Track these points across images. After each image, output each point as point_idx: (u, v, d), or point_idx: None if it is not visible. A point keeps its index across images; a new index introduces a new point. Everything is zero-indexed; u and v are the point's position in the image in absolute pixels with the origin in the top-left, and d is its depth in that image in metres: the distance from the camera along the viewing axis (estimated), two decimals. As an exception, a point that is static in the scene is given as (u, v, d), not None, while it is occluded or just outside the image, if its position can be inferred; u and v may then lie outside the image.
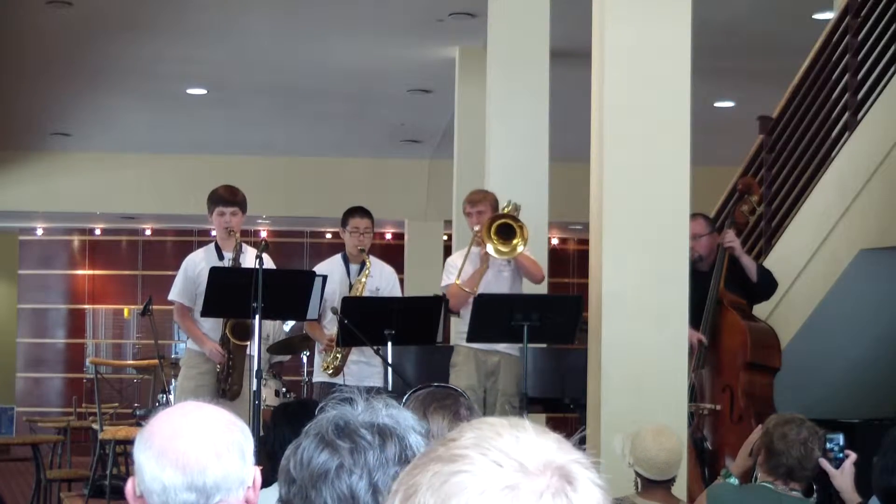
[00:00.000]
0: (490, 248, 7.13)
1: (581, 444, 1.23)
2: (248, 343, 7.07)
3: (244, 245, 7.16)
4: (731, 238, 7.31)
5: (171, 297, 7.21)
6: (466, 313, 7.09)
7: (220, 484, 2.04)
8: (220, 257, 7.18)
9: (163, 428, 2.07)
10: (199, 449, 2.03)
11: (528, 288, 7.59)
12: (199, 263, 7.21)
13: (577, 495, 1.16)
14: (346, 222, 7.51)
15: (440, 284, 7.53)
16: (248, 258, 7.12)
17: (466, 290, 7.15)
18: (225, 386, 7.03)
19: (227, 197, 7.18)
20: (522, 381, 6.86)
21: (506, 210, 7.33)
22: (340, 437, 2.00)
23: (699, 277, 6.75)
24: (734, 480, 4.59)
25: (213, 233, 7.55)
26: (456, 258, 7.52)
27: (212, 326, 7.15)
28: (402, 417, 2.04)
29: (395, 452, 1.99)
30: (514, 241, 7.13)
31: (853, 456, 4.35)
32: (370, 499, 1.97)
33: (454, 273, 7.33)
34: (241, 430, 2.09)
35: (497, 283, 7.27)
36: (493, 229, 7.14)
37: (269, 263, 7.24)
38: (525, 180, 8.52)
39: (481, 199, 7.45)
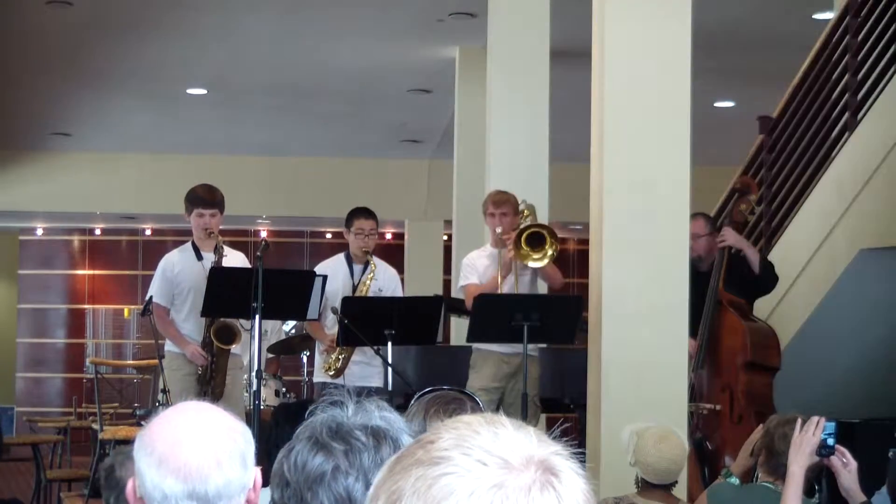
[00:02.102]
0: (521, 259, 7.04)
1: (563, 436, 1.23)
2: (233, 346, 7.06)
3: (226, 247, 7.08)
4: (722, 237, 7.28)
5: (149, 296, 7.12)
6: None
7: (221, 492, 2.03)
8: (199, 258, 7.12)
9: (164, 434, 2.05)
10: (201, 458, 2.02)
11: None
12: (176, 265, 7.16)
13: (563, 487, 1.16)
14: (350, 223, 7.39)
15: (458, 284, 7.42)
16: (230, 260, 7.10)
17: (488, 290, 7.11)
18: (208, 388, 6.95)
19: (206, 198, 7.11)
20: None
21: (525, 213, 7.30)
22: (335, 439, 1.99)
23: (698, 278, 6.74)
24: (735, 480, 4.58)
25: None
26: (474, 258, 7.38)
27: (193, 328, 7.09)
28: (393, 419, 2.04)
29: (389, 453, 1.99)
30: (546, 249, 7.07)
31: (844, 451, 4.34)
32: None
33: (473, 274, 7.27)
34: (242, 435, 2.07)
35: (518, 286, 7.19)
36: (523, 239, 7.07)
37: (242, 262, 7.20)
38: (525, 180, 8.51)
39: (506, 201, 7.25)
